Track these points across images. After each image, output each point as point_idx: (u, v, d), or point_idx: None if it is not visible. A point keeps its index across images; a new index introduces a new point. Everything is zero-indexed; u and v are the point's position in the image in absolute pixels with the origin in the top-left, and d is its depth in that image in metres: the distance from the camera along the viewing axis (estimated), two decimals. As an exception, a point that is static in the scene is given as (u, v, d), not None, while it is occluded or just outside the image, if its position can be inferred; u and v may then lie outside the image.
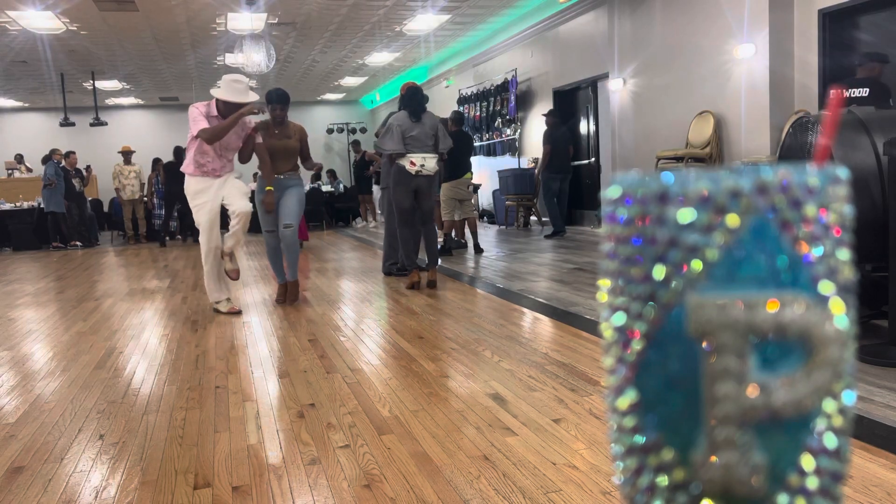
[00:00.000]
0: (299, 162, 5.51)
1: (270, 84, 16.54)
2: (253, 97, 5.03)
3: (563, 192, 9.50)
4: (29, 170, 15.00)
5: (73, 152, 13.14)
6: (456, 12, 10.65)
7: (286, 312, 5.23)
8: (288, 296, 5.55)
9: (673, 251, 0.38)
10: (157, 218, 13.28)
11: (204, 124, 4.88)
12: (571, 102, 11.17)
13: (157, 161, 13.02)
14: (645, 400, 0.39)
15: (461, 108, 13.92)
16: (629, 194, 0.39)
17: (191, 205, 5.08)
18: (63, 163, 12.57)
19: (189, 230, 12.26)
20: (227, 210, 5.10)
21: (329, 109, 20.60)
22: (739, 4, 6.97)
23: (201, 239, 5.09)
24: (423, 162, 5.72)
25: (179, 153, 12.10)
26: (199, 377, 3.58)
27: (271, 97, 5.35)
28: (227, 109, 4.94)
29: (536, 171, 9.45)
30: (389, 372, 3.50)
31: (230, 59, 11.08)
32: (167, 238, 12.54)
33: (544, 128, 9.51)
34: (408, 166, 5.70)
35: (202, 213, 5.02)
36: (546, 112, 9.86)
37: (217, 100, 4.97)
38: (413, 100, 5.78)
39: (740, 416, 0.36)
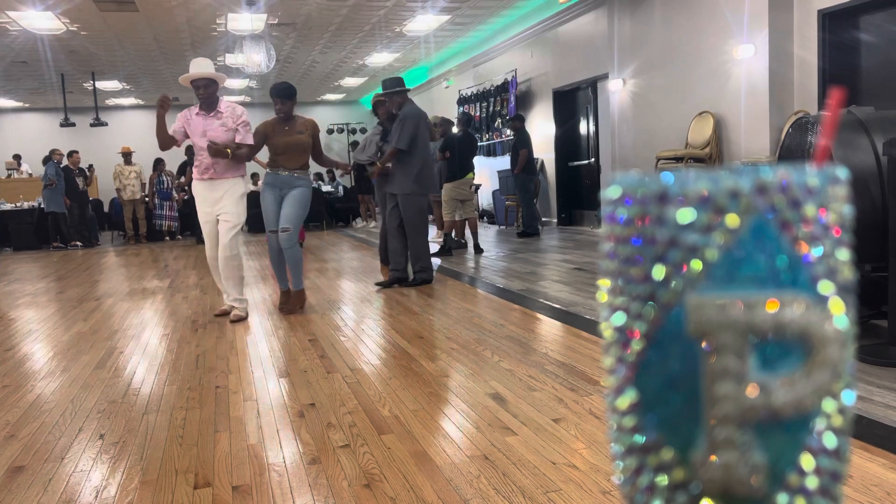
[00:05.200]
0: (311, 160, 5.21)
1: (270, 84, 16.54)
2: (206, 68, 4.82)
3: (534, 194, 10.24)
4: (29, 174, 14.99)
5: (76, 151, 13.15)
6: (456, 13, 10.64)
7: (286, 313, 5.23)
8: (292, 303, 5.21)
9: (673, 251, 0.38)
10: (157, 218, 13.31)
11: (175, 128, 4.89)
12: (571, 103, 11.17)
13: (158, 161, 13.03)
14: (645, 400, 0.39)
15: (462, 109, 13.93)
16: (629, 194, 0.39)
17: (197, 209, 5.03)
18: (65, 162, 12.58)
19: (190, 229, 12.32)
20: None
21: (329, 110, 20.59)
22: (739, 5, 6.96)
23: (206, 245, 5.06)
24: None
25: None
26: (199, 377, 3.58)
27: (271, 91, 5.07)
28: (195, 90, 4.82)
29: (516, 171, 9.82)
30: (389, 372, 3.50)
31: (230, 59, 11.08)
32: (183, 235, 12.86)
33: (510, 133, 10.03)
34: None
35: (202, 223, 4.95)
36: (513, 117, 10.50)
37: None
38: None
39: (740, 416, 0.36)
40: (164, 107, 4.67)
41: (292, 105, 5.08)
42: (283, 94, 5.02)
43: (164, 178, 13.08)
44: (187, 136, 4.90)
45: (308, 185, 5.14)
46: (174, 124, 4.92)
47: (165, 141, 4.81)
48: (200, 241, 10.06)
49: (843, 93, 0.44)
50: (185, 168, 12.47)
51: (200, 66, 4.86)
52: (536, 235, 9.95)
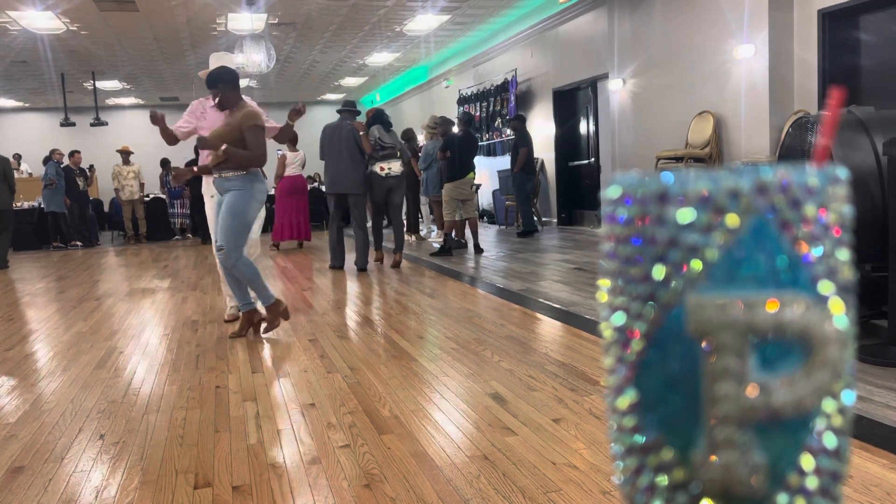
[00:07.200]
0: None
1: (271, 84, 16.52)
2: (231, 61, 4.71)
3: (532, 192, 10.42)
4: (29, 174, 15.01)
5: (78, 151, 13.17)
6: (456, 12, 10.64)
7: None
8: (269, 323, 4.39)
9: (673, 251, 0.38)
10: (170, 216, 13.39)
11: (179, 123, 4.69)
12: (571, 102, 11.17)
13: (166, 161, 13.10)
14: (645, 400, 0.39)
15: (462, 108, 13.93)
16: (629, 194, 0.39)
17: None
18: (66, 162, 12.58)
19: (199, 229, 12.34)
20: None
21: (329, 109, 20.57)
22: (739, 4, 6.96)
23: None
24: (390, 166, 7.27)
25: None
26: (199, 377, 3.58)
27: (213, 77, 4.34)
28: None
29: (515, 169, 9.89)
30: (389, 372, 3.50)
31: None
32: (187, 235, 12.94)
33: (511, 132, 10.20)
34: (378, 171, 7.23)
35: (209, 219, 4.69)
36: (514, 117, 10.66)
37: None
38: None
39: (740, 416, 0.36)
40: (156, 122, 4.50)
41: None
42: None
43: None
44: (193, 133, 4.69)
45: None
46: (183, 119, 4.70)
47: (170, 138, 4.66)
48: (207, 240, 10.07)
49: (843, 92, 0.44)
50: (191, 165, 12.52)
51: (224, 61, 4.64)
52: (536, 233, 9.97)
